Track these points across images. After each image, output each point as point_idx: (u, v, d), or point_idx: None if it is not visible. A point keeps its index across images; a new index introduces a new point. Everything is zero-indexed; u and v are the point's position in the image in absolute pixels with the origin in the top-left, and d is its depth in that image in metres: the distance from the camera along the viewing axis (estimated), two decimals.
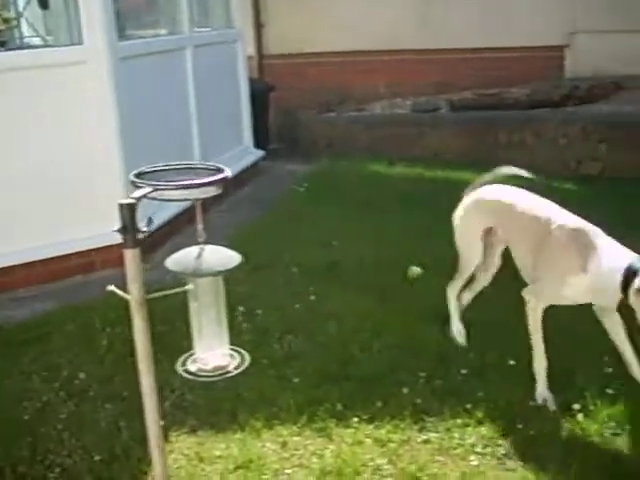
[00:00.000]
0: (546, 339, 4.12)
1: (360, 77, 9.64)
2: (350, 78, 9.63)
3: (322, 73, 9.73)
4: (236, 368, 2.57)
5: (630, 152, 7.42)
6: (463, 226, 4.24)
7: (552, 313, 4.24)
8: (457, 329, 4.33)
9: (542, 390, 3.71)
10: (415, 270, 5.14)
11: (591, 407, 3.60)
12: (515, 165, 7.40)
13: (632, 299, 3.26)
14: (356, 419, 3.61)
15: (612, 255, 3.40)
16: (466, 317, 4.45)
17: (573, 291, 3.56)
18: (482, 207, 4.17)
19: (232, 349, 2.63)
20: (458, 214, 4.27)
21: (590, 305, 3.70)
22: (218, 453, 3.47)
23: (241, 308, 4.65)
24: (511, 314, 4.44)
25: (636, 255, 3.34)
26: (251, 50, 9.72)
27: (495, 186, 4.20)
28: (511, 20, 9.56)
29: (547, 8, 9.52)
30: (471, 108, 8.45)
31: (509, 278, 4.54)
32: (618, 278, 3.29)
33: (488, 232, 4.17)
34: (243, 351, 2.61)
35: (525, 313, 3.75)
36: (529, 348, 3.87)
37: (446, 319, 4.43)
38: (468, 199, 4.22)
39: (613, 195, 6.80)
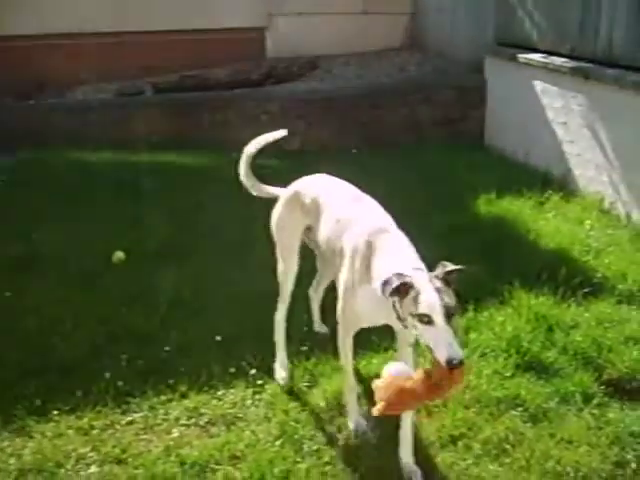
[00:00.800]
0: (246, 302, 4.31)
1: (59, 62, 9.15)
2: (49, 63, 9.10)
3: (16, 58, 9.09)
4: None
5: (325, 126, 7.88)
6: (279, 227, 3.65)
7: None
8: (281, 364, 3.77)
9: (356, 419, 3.36)
10: (119, 255, 5.05)
11: (289, 365, 3.79)
12: (221, 144, 7.62)
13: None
14: (57, 412, 3.49)
15: (391, 261, 2.89)
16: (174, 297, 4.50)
17: (368, 308, 3.03)
18: (297, 202, 3.55)
19: None
20: (275, 211, 3.67)
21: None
22: None
23: None
24: (218, 290, 4.60)
25: (413, 263, 2.87)
26: None
27: (315, 177, 3.65)
28: (212, 2, 9.66)
29: None
30: (175, 90, 8.44)
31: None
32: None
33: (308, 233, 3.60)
34: None
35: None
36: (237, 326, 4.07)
37: (150, 301, 4.43)
38: (285, 193, 3.65)
39: (311, 166, 7.17)
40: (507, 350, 3.90)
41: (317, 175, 3.67)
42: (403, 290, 2.71)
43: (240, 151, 4.05)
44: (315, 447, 3.26)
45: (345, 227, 3.21)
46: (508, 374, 3.75)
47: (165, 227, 5.58)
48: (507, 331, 4.02)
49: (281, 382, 3.68)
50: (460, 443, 3.29)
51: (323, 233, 3.38)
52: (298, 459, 3.18)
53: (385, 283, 2.74)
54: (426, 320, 2.65)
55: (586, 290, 4.50)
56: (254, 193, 3.88)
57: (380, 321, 3.10)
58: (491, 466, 3.17)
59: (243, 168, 3.87)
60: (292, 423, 3.39)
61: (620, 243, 5.48)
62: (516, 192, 6.32)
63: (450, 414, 3.46)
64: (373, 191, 3.49)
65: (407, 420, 3.13)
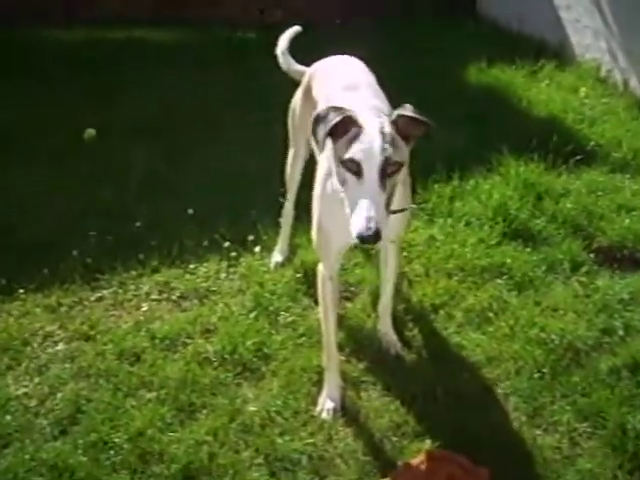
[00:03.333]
0: (219, 178, 4.13)
1: None
2: None
3: None
4: None
5: None
6: (292, 108, 3.19)
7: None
8: (281, 250, 3.52)
9: (331, 394, 2.71)
10: (90, 132, 4.82)
11: (264, 237, 3.64)
12: (200, 19, 7.22)
13: None
14: (22, 290, 3.33)
15: None
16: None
17: (336, 211, 2.30)
18: (309, 86, 3.01)
19: None
20: (296, 96, 3.19)
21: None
22: None
23: None
24: (191, 166, 4.40)
25: None
26: None
27: (333, 59, 3.07)
28: None
29: None
30: None
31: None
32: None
33: None
34: None
35: None
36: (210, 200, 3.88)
37: (121, 177, 4.22)
38: (305, 74, 3.14)
39: (298, 40, 6.82)
40: (493, 218, 3.74)
41: (337, 57, 3.08)
42: (342, 128, 2.14)
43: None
44: (291, 319, 3.13)
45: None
46: (493, 242, 3.60)
47: (138, 104, 5.30)
48: (494, 199, 3.84)
49: (271, 265, 3.48)
50: (442, 312, 3.17)
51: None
52: (272, 331, 3.06)
53: (318, 119, 2.16)
54: (354, 170, 2.10)
55: (578, 158, 4.30)
56: (284, 69, 3.40)
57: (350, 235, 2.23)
58: (473, 334, 3.05)
59: (282, 45, 3.41)
60: (267, 295, 3.25)
61: (616, 112, 5.23)
62: (509, 61, 6.01)
63: (432, 283, 3.33)
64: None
65: (386, 289, 2.95)
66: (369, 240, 2.06)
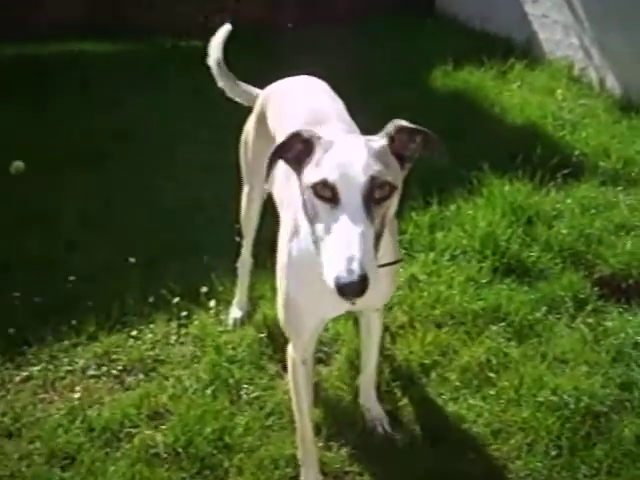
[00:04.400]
0: (166, 215, 3.62)
1: None
2: None
3: None
4: None
5: (258, 2, 6.92)
6: (243, 139, 2.67)
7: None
8: (239, 304, 3.02)
9: None
10: (18, 165, 4.23)
11: (220, 288, 3.13)
12: (145, 28, 6.66)
13: None
14: None
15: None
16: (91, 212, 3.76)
17: (303, 278, 1.90)
18: (263, 114, 2.50)
19: None
20: (247, 125, 2.67)
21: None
22: None
23: None
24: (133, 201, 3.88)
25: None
26: None
27: (292, 80, 2.56)
28: None
29: None
30: None
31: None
32: None
33: None
34: None
35: None
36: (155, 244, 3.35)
37: (53, 220, 3.67)
38: (259, 97, 2.62)
39: (242, 47, 6.30)
40: (481, 251, 3.28)
41: (297, 78, 2.56)
42: (306, 150, 1.65)
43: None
44: (255, 394, 2.62)
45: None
46: (484, 280, 3.14)
47: (73, 128, 4.74)
48: (480, 227, 3.38)
49: (229, 323, 2.97)
50: (433, 374, 2.69)
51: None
52: (235, 411, 2.55)
53: (277, 150, 1.68)
54: (328, 196, 1.56)
55: (565, 172, 3.86)
56: (230, 94, 2.83)
57: (329, 308, 1.97)
58: (472, 400, 2.58)
59: (215, 54, 2.79)
60: (226, 364, 2.73)
61: (596, 114, 4.85)
62: (475, 62, 5.58)
63: (418, 336, 2.84)
64: (309, 70, 2.71)
65: (369, 360, 2.44)
66: (351, 289, 1.46)
